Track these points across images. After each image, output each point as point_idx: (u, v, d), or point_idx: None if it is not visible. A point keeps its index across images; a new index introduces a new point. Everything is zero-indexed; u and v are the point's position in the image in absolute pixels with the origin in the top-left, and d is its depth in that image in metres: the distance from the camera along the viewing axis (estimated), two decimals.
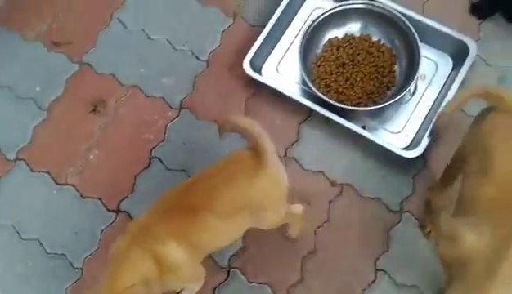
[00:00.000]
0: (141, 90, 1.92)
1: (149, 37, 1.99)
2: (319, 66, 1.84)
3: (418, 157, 1.67)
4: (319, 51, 1.87)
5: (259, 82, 1.81)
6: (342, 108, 1.72)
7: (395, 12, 1.79)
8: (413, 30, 1.76)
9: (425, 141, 1.66)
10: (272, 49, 1.90)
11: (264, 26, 1.85)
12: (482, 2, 1.91)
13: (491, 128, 1.30)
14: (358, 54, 1.84)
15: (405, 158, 1.67)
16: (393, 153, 1.68)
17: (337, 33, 1.88)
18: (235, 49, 1.93)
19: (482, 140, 1.29)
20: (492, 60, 1.86)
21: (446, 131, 1.76)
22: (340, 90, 1.80)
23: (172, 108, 1.88)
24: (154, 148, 1.84)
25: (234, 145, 1.47)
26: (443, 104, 1.67)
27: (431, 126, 1.69)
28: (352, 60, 1.83)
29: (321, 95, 1.72)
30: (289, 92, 1.78)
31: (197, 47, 1.96)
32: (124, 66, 1.96)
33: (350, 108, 1.72)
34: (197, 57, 1.94)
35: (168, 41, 1.98)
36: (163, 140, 1.85)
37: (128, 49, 1.99)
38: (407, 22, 1.77)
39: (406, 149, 1.72)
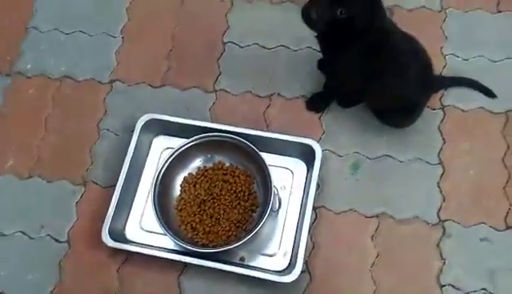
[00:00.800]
0: None
1: (3, 234, 1.87)
2: (180, 210, 1.80)
3: (301, 272, 1.65)
4: (177, 193, 1.84)
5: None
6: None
7: (236, 138, 1.80)
8: (256, 151, 1.77)
9: (300, 260, 1.64)
10: (130, 207, 1.83)
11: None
12: (314, 98, 1.98)
13: None
14: (215, 186, 1.82)
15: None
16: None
17: (190, 169, 1.86)
18: (93, 218, 1.84)
19: None
20: (341, 150, 1.91)
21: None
22: (207, 229, 1.76)
23: None
24: None
25: None
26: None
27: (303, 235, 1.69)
28: (211, 194, 1.81)
29: (187, 246, 1.67)
30: (158, 250, 1.72)
31: (54, 229, 1.85)
32: None
33: (220, 250, 1.67)
34: (57, 240, 1.84)
35: (22, 232, 1.86)
36: None
37: None
38: (250, 145, 1.78)
39: (287, 268, 1.71)
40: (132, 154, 1.84)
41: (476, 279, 1.71)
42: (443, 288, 1.70)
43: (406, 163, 1.88)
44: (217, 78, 2.07)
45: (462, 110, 1.95)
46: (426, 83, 1.76)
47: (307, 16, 1.56)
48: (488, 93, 1.95)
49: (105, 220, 1.73)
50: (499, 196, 1.82)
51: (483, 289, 1.69)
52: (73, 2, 2.30)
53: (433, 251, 1.75)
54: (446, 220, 1.79)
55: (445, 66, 2.03)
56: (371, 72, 1.64)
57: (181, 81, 2.08)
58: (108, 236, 1.71)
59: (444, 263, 1.73)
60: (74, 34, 2.21)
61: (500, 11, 2.13)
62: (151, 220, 1.77)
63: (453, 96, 1.97)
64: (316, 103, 1.97)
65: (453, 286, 1.70)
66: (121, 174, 1.81)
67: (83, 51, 2.18)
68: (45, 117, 2.04)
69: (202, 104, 2.02)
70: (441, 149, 1.89)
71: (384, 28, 1.61)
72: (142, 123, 1.89)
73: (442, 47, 2.06)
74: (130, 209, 1.83)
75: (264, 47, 2.11)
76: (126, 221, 1.82)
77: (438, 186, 1.84)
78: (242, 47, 2.12)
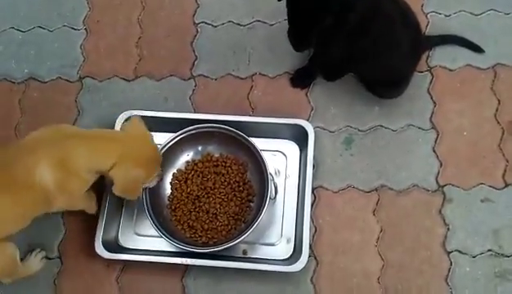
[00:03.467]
0: None
1: None
2: (175, 209, 1.72)
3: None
4: (168, 191, 1.75)
5: None
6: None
7: (224, 127, 1.71)
8: (247, 138, 1.69)
9: (306, 246, 1.60)
10: (121, 213, 1.74)
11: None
12: (299, 73, 1.89)
13: None
14: (207, 180, 1.74)
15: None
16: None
17: (179, 165, 1.77)
18: (82, 228, 1.74)
19: None
20: (333, 125, 1.84)
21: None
22: (206, 226, 1.69)
23: None
24: None
25: None
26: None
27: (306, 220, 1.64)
28: (204, 189, 1.73)
29: (186, 247, 1.60)
30: (157, 255, 1.65)
31: (43, 246, 1.73)
32: None
33: (221, 248, 1.60)
34: (47, 257, 1.73)
35: None
36: None
37: None
38: (240, 132, 1.70)
39: (292, 255, 1.66)
40: None
41: (481, 241, 1.70)
42: (450, 255, 1.68)
43: (399, 132, 1.83)
44: (194, 63, 1.95)
45: (450, 70, 1.90)
46: (417, 47, 1.70)
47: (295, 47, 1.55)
48: (476, 48, 1.90)
49: (97, 231, 1.64)
50: (495, 154, 1.79)
51: (489, 250, 1.68)
52: None
53: (435, 218, 1.73)
54: (446, 185, 1.76)
55: (428, 24, 1.96)
56: (363, 45, 1.56)
57: (156, 70, 1.96)
58: (102, 247, 1.63)
59: (448, 229, 1.71)
60: (32, 31, 2.05)
61: None
62: (145, 224, 1.69)
63: (439, 56, 1.91)
64: (302, 79, 1.89)
65: (460, 251, 1.69)
66: (106, 179, 1.70)
67: (45, 49, 2.02)
68: (14, 125, 1.91)
69: (181, 93, 1.91)
70: (432, 112, 1.85)
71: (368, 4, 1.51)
72: (122, 121, 1.78)
73: (422, 5, 1.98)
74: (121, 215, 1.74)
75: (239, 24, 2.00)
76: (118, 228, 1.73)
77: (434, 151, 1.80)
78: (216, 27, 2.00)
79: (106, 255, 1.62)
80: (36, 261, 1.69)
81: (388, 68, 1.67)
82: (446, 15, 1.98)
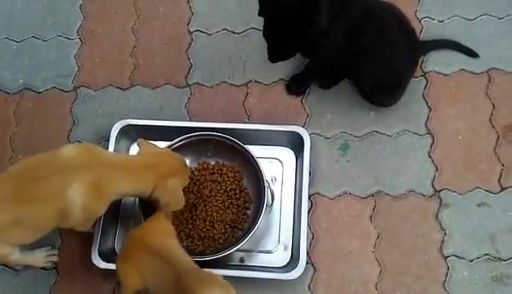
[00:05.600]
0: None
1: None
2: (172, 218, 1.71)
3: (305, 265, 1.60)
4: None
5: None
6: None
7: (220, 135, 1.71)
8: (243, 146, 1.69)
9: (303, 253, 1.59)
10: (117, 222, 1.74)
11: None
12: (294, 80, 1.89)
13: None
14: (203, 187, 1.74)
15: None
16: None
17: None
18: (79, 237, 1.73)
19: None
20: (328, 132, 1.85)
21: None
22: (203, 235, 1.69)
23: None
24: None
25: None
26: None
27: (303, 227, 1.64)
28: (201, 197, 1.73)
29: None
30: None
31: None
32: None
33: (218, 256, 1.60)
34: (43, 267, 1.72)
35: (4, 265, 1.74)
36: None
37: None
38: (236, 140, 1.70)
39: (289, 262, 1.66)
40: None
41: (478, 245, 1.70)
42: (448, 259, 1.68)
43: (395, 137, 1.83)
44: (189, 71, 1.96)
45: (444, 75, 1.90)
46: (414, 51, 1.70)
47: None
48: (470, 53, 1.90)
49: (94, 241, 1.64)
50: (490, 158, 1.80)
51: (486, 254, 1.69)
52: (18, 5, 2.12)
53: (432, 223, 1.73)
54: (442, 190, 1.76)
55: (421, 30, 1.97)
56: (359, 49, 1.56)
57: (151, 79, 1.96)
58: (98, 257, 1.62)
59: (445, 234, 1.71)
60: (26, 41, 2.05)
61: None
62: None
63: (433, 61, 1.92)
64: (297, 85, 1.89)
65: (457, 256, 1.69)
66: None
67: (39, 59, 2.02)
68: (9, 136, 1.90)
69: (176, 102, 1.91)
70: (427, 117, 1.85)
71: (359, 7, 1.52)
72: (117, 130, 1.78)
73: (416, 11, 1.99)
74: (117, 225, 1.74)
75: (234, 32, 2.00)
76: (115, 238, 1.73)
77: (430, 156, 1.81)
78: (211, 35, 2.01)
79: (103, 265, 1.62)
80: (40, 257, 1.69)
81: (386, 71, 1.68)
82: (439, 21, 1.98)
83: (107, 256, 1.65)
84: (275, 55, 1.58)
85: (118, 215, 1.74)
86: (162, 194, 1.51)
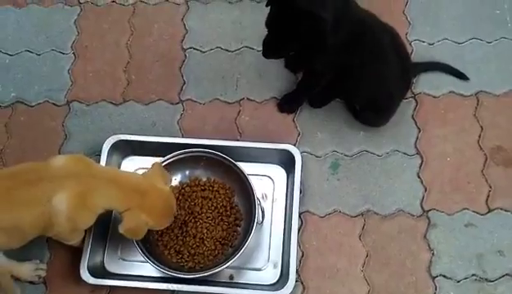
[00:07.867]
0: None
1: None
2: (162, 235, 1.71)
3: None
4: None
5: None
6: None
7: (212, 152, 1.72)
8: (234, 163, 1.70)
9: (293, 271, 1.60)
10: (106, 238, 1.73)
11: None
12: (286, 98, 1.91)
13: None
14: (194, 204, 1.74)
15: None
16: None
17: None
18: (68, 254, 1.72)
19: None
20: (319, 150, 1.87)
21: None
22: (192, 251, 1.68)
23: None
24: None
25: None
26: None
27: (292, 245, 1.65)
28: (192, 213, 1.73)
29: (172, 273, 1.59)
30: (142, 281, 1.64)
31: None
32: None
33: (208, 273, 1.60)
34: (31, 281, 1.70)
35: None
36: None
37: None
38: (227, 157, 1.71)
39: (279, 280, 1.66)
40: None
41: (466, 266, 1.71)
42: (435, 279, 1.69)
43: (385, 157, 1.86)
44: (182, 88, 1.97)
45: (434, 96, 1.94)
46: (407, 76, 1.74)
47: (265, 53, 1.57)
48: (460, 76, 1.94)
49: (83, 256, 1.63)
50: (478, 179, 1.82)
51: (474, 275, 1.70)
52: (11, 19, 2.12)
53: (420, 243, 1.74)
54: (430, 210, 1.78)
55: (412, 52, 2.00)
56: (353, 65, 1.59)
57: (144, 95, 1.97)
58: (87, 272, 1.61)
59: (433, 254, 1.73)
60: (20, 55, 2.05)
61: None
62: (131, 249, 1.67)
63: (423, 83, 1.95)
64: (289, 104, 1.91)
65: (444, 276, 1.70)
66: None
67: (32, 73, 2.02)
68: (1, 149, 1.89)
69: (169, 118, 1.92)
70: (417, 138, 1.88)
71: (354, 22, 1.55)
72: (109, 145, 1.78)
73: (406, 34, 2.03)
74: (107, 240, 1.73)
75: (228, 50, 2.03)
76: (104, 253, 1.72)
77: (418, 177, 1.83)
78: (204, 52, 2.03)
79: (92, 280, 1.61)
80: (28, 270, 1.68)
81: (378, 92, 1.71)
82: (429, 44, 2.02)
83: (96, 271, 1.64)
84: (270, 49, 1.56)
85: (107, 230, 1.74)
86: (129, 220, 1.49)
